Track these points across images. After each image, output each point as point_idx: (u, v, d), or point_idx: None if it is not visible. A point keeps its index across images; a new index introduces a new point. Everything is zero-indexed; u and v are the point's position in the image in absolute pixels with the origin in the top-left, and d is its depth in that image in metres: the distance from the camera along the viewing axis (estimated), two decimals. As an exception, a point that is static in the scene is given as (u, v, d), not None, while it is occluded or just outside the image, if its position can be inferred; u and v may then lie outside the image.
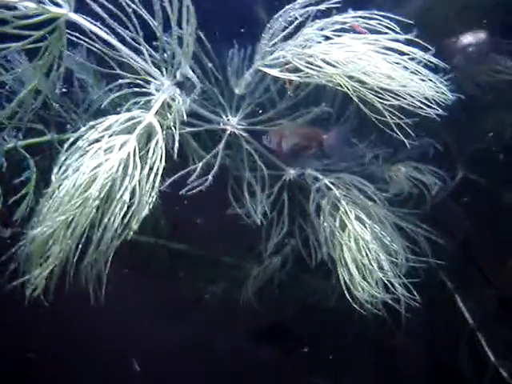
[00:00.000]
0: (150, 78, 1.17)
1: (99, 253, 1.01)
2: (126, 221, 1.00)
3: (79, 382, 1.89)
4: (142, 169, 1.04)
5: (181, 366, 1.87)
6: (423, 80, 1.05)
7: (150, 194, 1.04)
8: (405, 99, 1.05)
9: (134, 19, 1.13)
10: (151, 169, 1.04)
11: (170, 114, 1.13)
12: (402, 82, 1.03)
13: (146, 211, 1.03)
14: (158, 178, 1.05)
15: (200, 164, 1.31)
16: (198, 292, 1.85)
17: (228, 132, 1.36)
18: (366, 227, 1.30)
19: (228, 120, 1.36)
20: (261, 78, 1.29)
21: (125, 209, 0.99)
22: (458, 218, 1.97)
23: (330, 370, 1.90)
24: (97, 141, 1.05)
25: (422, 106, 1.06)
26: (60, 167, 1.03)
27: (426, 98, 1.05)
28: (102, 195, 0.99)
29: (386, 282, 1.25)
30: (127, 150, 1.04)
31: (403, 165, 1.56)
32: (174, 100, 1.15)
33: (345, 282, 1.30)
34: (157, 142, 1.06)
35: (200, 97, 1.29)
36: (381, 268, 1.29)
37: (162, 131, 1.08)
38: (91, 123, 1.06)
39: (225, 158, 1.38)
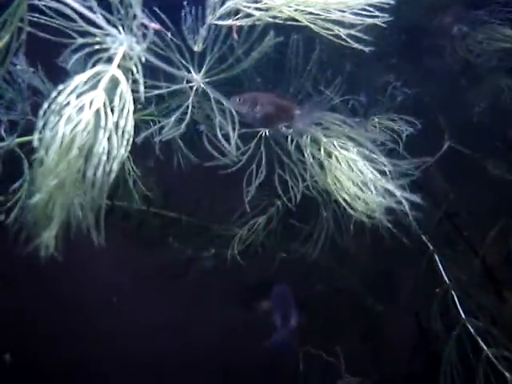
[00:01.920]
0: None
1: (93, 202, 1.08)
2: (108, 168, 1.05)
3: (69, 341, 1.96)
4: (114, 117, 1.10)
5: (172, 328, 1.92)
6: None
7: (127, 138, 1.10)
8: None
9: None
10: (122, 115, 1.10)
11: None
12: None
13: (124, 154, 1.09)
14: (130, 121, 1.10)
15: (172, 118, 1.39)
16: (188, 256, 1.91)
17: (195, 88, 1.41)
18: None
19: (192, 76, 1.41)
20: (219, 31, 1.33)
21: (104, 158, 1.05)
22: (444, 186, 1.97)
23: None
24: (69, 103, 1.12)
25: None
26: (40, 134, 1.09)
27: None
28: (83, 153, 1.06)
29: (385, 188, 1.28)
30: (97, 105, 1.10)
31: (379, 117, 1.57)
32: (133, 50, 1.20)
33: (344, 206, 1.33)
34: (122, 89, 1.12)
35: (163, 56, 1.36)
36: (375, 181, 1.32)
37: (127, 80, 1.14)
38: (60, 87, 1.13)
39: (194, 113, 1.44)
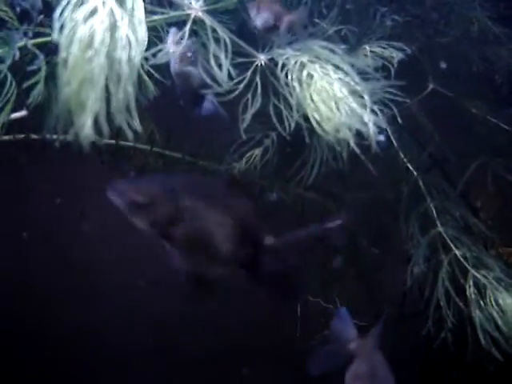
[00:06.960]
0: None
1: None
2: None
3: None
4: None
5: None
6: None
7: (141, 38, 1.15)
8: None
9: None
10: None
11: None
12: None
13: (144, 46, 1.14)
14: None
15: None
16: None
17: (192, 16, 1.47)
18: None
19: (190, 3, 1.47)
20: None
21: (127, 50, 1.08)
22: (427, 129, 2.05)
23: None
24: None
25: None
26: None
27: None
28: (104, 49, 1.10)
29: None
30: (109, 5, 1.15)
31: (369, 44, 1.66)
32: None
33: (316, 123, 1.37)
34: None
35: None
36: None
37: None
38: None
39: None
